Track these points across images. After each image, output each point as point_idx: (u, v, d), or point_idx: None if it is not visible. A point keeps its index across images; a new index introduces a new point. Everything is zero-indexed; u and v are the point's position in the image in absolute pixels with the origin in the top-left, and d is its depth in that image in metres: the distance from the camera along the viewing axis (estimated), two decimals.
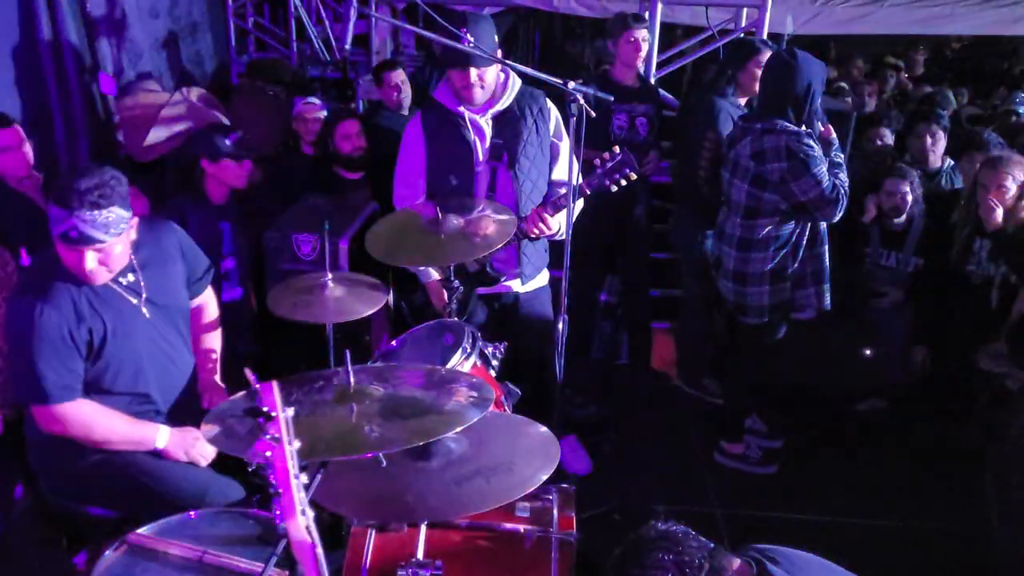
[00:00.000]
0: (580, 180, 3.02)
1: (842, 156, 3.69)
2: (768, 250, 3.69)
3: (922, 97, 6.27)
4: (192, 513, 2.18)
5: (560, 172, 3.28)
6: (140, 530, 2.06)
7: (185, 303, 2.76)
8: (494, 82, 3.12)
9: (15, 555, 3.16)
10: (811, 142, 3.53)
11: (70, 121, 4.65)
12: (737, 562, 1.71)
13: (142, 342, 2.55)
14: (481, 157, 3.19)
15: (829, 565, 1.85)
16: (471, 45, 2.87)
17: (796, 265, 3.72)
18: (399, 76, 4.79)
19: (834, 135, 3.69)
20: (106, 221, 2.29)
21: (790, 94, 3.53)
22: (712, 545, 1.70)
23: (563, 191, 3.06)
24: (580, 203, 3.19)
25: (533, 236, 3.15)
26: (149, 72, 5.65)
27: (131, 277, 2.53)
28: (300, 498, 1.53)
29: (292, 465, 1.51)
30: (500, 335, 3.22)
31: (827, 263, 3.77)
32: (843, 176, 3.60)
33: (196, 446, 2.59)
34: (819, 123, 3.64)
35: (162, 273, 2.62)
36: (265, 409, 1.49)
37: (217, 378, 2.92)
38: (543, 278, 3.51)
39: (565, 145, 3.27)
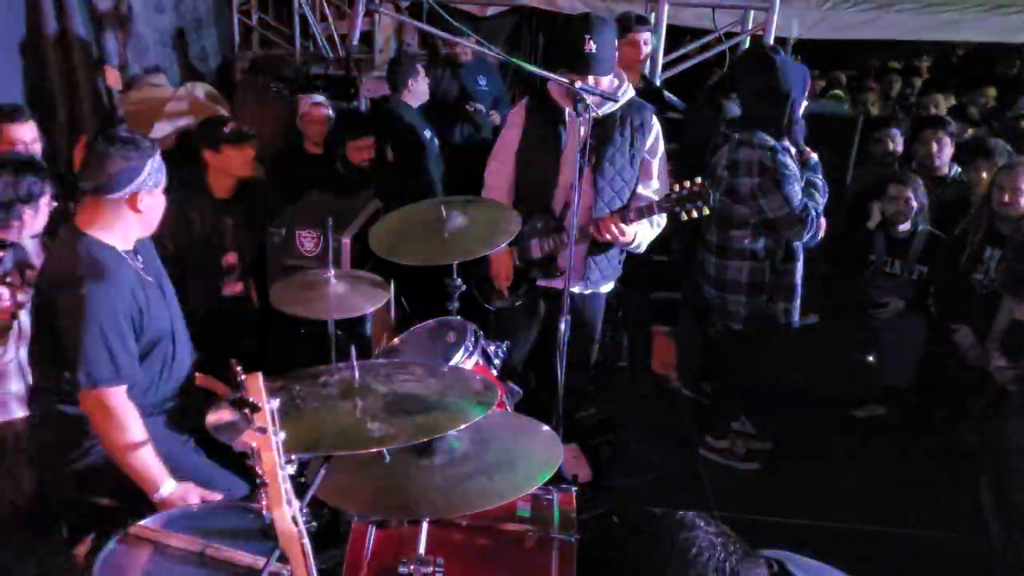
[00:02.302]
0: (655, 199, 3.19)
1: (820, 178, 3.58)
2: (744, 261, 3.66)
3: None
4: (195, 506, 2.17)
5: (647, 188, 3.31)
6: (142, 522, 2.06)
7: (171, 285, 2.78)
8: (607, 88, 3.13)
9: (14, 545, 3.16)
10: (787, 159, 3.44)
11: (75, 114, 4.66)
12: (760, 563, 1.71)
13: (166, 319, 2.59)
14: (569, 152, 3.21)
15: (840, 573, 1.85)
16: (594, 51, 2.97)
17: (771, 278, 3.68)
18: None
19: (815, 157, 3.60)
20: None
21: (767, 103, 3.45)
22: (739, 545, 1.70)
23: (642, 203, 3.18)
24: (662, 220, 3.27)
25: (603, 240, 3.19)
26: (155, 67, 5.66)
27: (139, 260, 2.57)
28: (286, 488, 1.53)
29: (278, 455, 1.51)
30: (550, 332, 3.27)
31: (798, 280, 3.72)
32: (819, 198, 3.51)
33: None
34: (801, 138, 3.54)
35: (150, 254, 2.67)
36: (251, 400, 1.49)
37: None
38: (606, 287, 3.53)
39: (657, 163, 3.31)
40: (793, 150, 3.53)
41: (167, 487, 2.40)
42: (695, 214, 3.07)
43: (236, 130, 3.58)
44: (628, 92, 3.24)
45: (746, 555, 1.68)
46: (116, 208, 2.43)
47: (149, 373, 2.54)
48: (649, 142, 3.27)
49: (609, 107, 3.14)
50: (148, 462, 2.41)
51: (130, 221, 2.47)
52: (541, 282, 3.44)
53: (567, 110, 3.19)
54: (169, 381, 2.62)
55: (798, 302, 3.76)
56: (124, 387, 2.41)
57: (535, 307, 3.51)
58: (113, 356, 2.36)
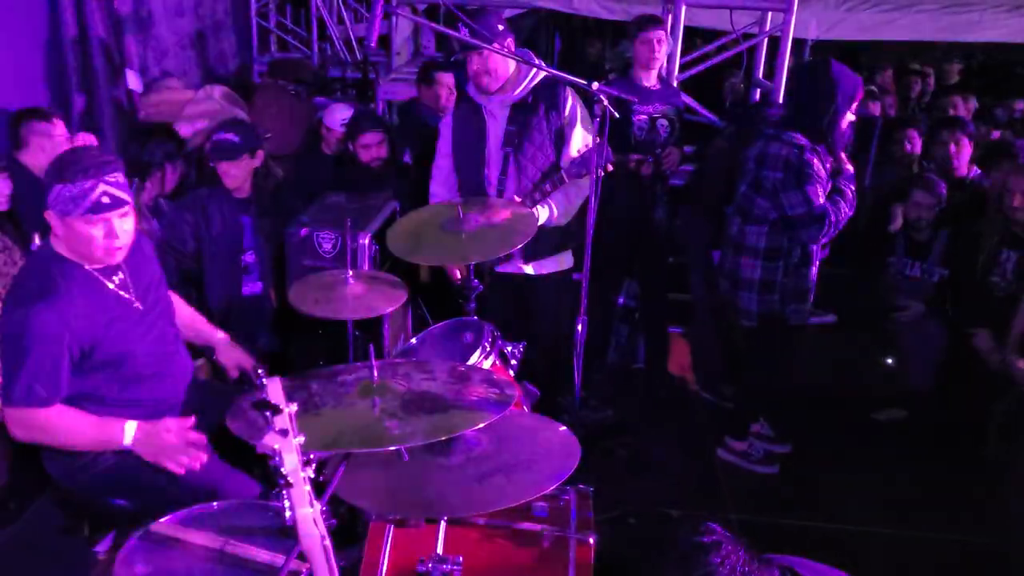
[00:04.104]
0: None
1: (851, 189, 3.53)
2: (758, 259, 3.64)
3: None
4: (214, 504, 2.18)
5: (567, 158, 3.38)
6: (162, 520, 2.07)
7: (170, 302, 2.76)
8: (501, 70, 3.31)
9: (37, 543, 3.19)
10: (814, 160, 3.42)
11: (94, 117, 4.69)
12: (773, 570, 1.70)
13: (142, 339, 2.53)
14: (494, 143, 3.41)
15: None
16: (469, 34, 3.11)
17: (784, 280, 3.65)
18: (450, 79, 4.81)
19: (851, 169, 3.57)
20: (124, 184, 2.38)
21: (806, 107, 3.46)
22: (752, 551, 1.71)
23: (555, 176, 3.33)
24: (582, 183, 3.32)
25: None
26: (174, 69, 5.71)
27: (120, 275, 2.53)
28: (307, 490, 1.54)
29: (299, 457, 1.52)
30: (518, 318, 3.43)
31: (811, 284, 3.68)
32: (843, 207, 3.47)
33: (167, 442, 2.43)
34: (840, 147, 3.49)
35: (140, 268, 2.62)
36: (272, 403, 1.51)
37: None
38: (556, 263, 3.56)
39: (577, 131, 3.39)
40: (826, 157, 3.48)
41: (128, 435, 2.42)
42: (601, 172, 3.07)
43: (219, 144, 3.60)
44: (537, 76, 3.35)
45: (760, 561, 1.69)
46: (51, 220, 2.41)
47: (111, 386, 2.50)
48: (566, 113, 3.38)
49: (519, 92, 3.33)
50: (96, 435, 2.42)
51: (61, 240, 2.42)
52: (500, 268, 3.51)
53: (484, 105, 3.40)
54: (147, 393, 2.58)
55: (809, 305, 3.73)
56: (55, 408, 2.39)
57: (500, 296, 3.55)
58: (47, 379, 2.35)
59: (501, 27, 3.26)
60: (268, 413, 1.53)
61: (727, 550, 1.65)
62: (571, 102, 3.41)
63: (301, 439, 1.54)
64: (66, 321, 2.35)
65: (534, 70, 3.32)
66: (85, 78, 4.59)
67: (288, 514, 1.55)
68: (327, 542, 1.59)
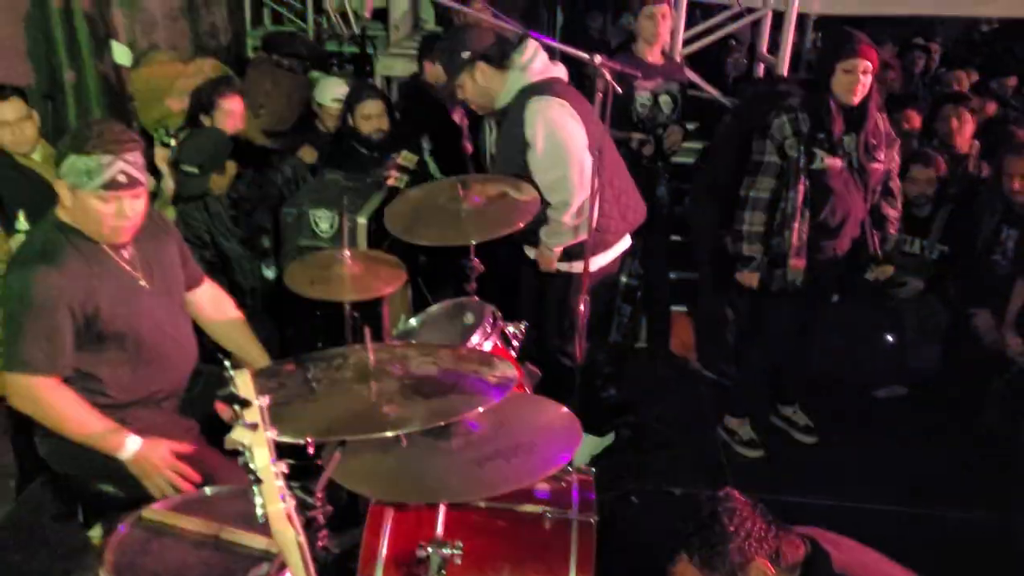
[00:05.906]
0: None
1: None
2: (744, 211, 3.58)
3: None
4: (206, 489, 2.15)
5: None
6: (156, 505, 2.04)
7: (181, 283, 2.69)
8: (479, 100, 3.19)
9: (31, 529, 3.16)
10: (782, 120, 3.40)
11: (82, 92, 4.61)
12: (796, 538, 1.73)
13: (145, 317, 2.47)
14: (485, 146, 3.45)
15: (864, 548, 1.85)
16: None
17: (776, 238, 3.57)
18: None
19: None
20: (142, 164, 2.33)
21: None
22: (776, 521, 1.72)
23: None
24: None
25: None
26: (163, 42, 5.61)
27: (130, 250, 2.48)
28: (279, 486, 1.50)
29: (270, 453, 1.48)
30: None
31: (792, 246, 3.53)
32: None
33: (159, 468, 2.34)
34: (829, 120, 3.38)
35: (152, 246, 2.56)
36: (240, 396, 1.46)
37: None
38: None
39: (535, 157, 3.09)
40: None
41: (130, 447, 2.33)
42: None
43: (181, 180, 3.57)
44: (517, 86, 3.11)
45: (780, 529, 1.72)
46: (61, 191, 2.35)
47: (116, 368, 2.45)
48: (525, 132, 3.06)
49: (501, 103, 3.16)
50: (94, 430, 2.34)
51: (68, 211, 2.37)
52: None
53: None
54: (150, 379, 2.52)
55: (790, 270, 3.57)
56: (55, 380, 2.33)
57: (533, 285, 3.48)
58: (47, 344, 2.29)
59: (466, 54, 3.07)
60: (237, 407, 1.47)
61: (742, 516, 1.69)
62: (531, 123, 3.04)
63: (273, 434, 1.49)
64: (68, 284, 2.30)
65: (515, 81, 3.09)
66: (72, 52, 4.50)
67: (259, 511, 1.50)
68: (302, 539, 1.54)
